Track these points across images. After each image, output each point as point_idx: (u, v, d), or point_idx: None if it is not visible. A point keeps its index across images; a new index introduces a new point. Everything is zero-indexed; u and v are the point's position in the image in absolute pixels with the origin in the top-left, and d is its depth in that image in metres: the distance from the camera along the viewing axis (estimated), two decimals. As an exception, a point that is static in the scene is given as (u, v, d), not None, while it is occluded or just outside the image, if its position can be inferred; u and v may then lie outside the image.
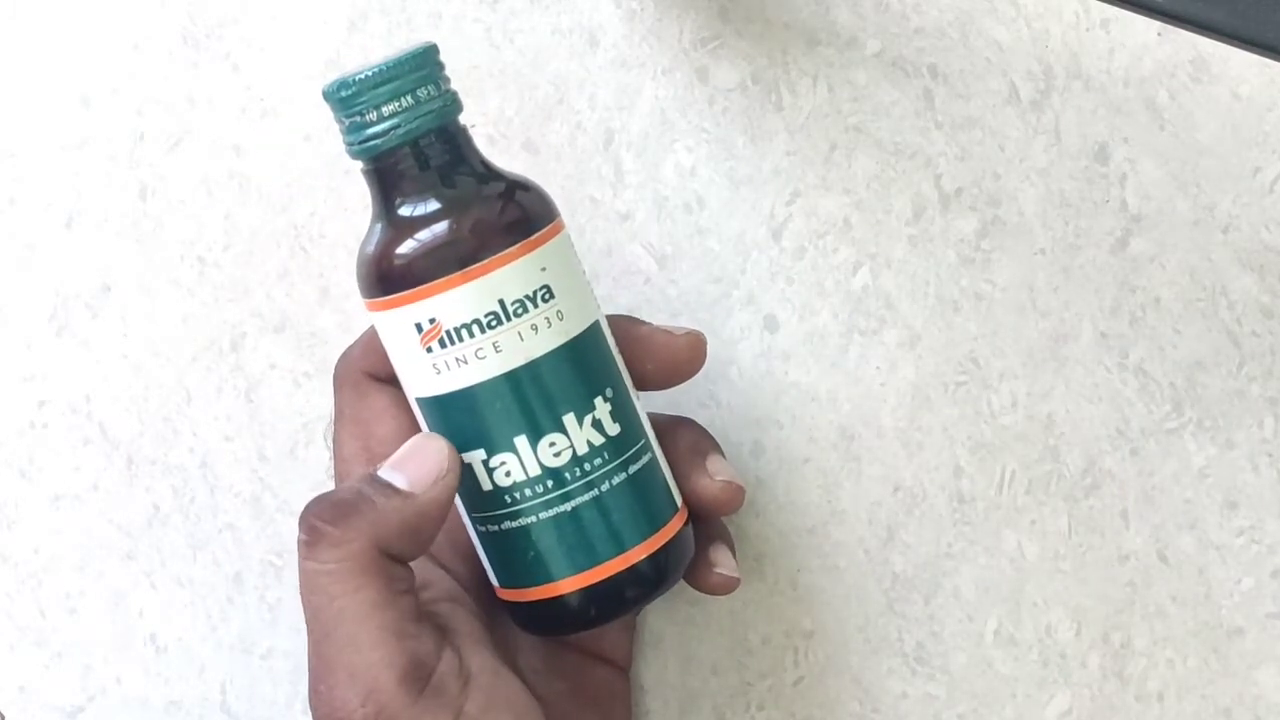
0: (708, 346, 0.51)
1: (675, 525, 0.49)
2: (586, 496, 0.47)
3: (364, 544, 0.45)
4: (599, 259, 0.56)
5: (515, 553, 0.48)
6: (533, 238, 0.47)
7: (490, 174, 0.48)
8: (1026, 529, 0.54)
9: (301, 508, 0.52)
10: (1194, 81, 0.53)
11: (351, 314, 0.57)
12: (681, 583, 0.51)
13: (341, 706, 0.45)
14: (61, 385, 0.58)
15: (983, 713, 0.55)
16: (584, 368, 0.47)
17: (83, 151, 0.58)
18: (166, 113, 0.57)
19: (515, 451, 0.47)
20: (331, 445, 0.54)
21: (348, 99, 0.46)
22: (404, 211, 0.47)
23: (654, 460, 0.49)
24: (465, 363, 0.46)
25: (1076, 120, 0.53)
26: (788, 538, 0.55)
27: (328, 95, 0.47)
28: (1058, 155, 0.53)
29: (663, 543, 0.48)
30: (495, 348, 0.46)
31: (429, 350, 0.46)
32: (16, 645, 0.59)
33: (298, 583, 0.46)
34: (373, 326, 0.49)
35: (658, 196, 0.55)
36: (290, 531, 0.58)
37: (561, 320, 0.47)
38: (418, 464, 0.47)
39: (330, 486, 0.55)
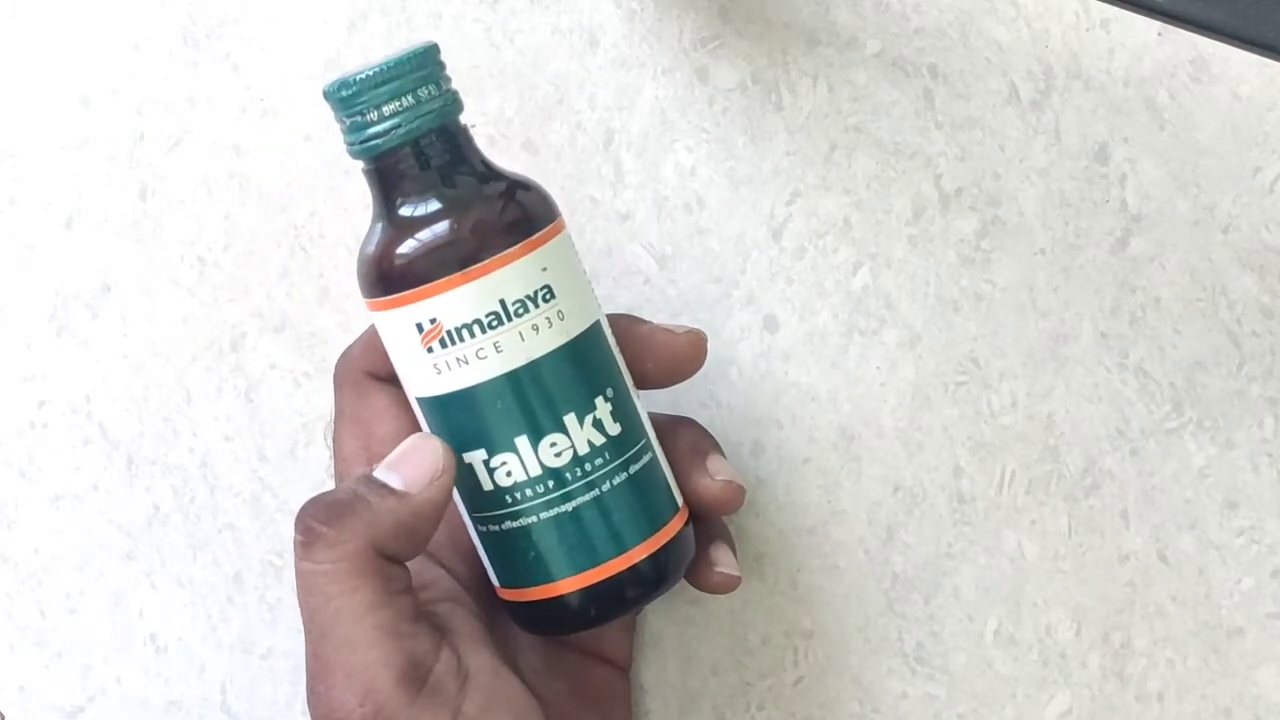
0: (708, 346, 0.51)
1: (676, 525, 0.49)
2: (587, 496, 0.47)
3: (359, 544, 0.45)
4: (599, 259, 0.56)
5: (516, 553, 0.48)
6: (534, 237, 0.47)
7: (491, 174, 0.48)
8: (1026, 529, 0.54)
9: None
10: (1194, 81, 0.53)
11: (351, 314, 0.57)
12: (682, 582, 0.51)
13: (339, 706, 0.45)
14: (61, 385, 0.58)
15: (983, 713, 0.55)
16: (585, 368, 0.47)
17: (83, 151, 0.58)
18: (166, 113, 0.57)
19: (516, 451, 0.47)
20: (332, 444, 0.54)
21: (348, 99, 0.46)
22: (405, 211, 0.47)
23: (654, 460, 0.49)
24: (466, 363, 0.46)
25: (1076, 120, 0.53)
26: (788, 538, 0.55)
27: (328, 95, 0.47)
28: (1058, 155, 0.54)
29: (663, 542, 0.48)
30: (496, 348, 0.46)
31: (430, 350, 0.46)
32: (16, 645, 0.59)
33: (297, 584, 0.46)
34: (373, 325, 0.49)
35: (658, 196, 0.55)
36: (290, 532, 0.57)
37: (562, 320, 0.47)
38: (413, 464, 0.47)
39: (330, 486, 0.55)
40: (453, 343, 0.46)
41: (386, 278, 0.47)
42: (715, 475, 0.50)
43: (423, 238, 0.46)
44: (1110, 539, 0.54)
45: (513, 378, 0.46)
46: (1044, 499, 0.54)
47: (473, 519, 0.49)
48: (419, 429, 0.49)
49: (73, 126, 0.58)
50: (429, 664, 0.46)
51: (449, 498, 0.47)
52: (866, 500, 0.55)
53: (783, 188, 0.55)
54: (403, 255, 0.46)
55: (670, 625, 0.56)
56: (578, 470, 0.47)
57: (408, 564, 0.47)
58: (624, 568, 0.48)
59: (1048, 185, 0.54)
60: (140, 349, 0.58)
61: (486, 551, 0.49)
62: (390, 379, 0.50)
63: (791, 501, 0.55)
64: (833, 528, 0.55)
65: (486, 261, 0.46)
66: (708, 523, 0.52)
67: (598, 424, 0.47)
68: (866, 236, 0.54)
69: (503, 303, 0.46)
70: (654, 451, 0.49)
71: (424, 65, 0.46)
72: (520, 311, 0.46)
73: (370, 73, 0.46)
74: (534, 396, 0.47)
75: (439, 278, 0.46)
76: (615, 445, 0.48)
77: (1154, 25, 0.51)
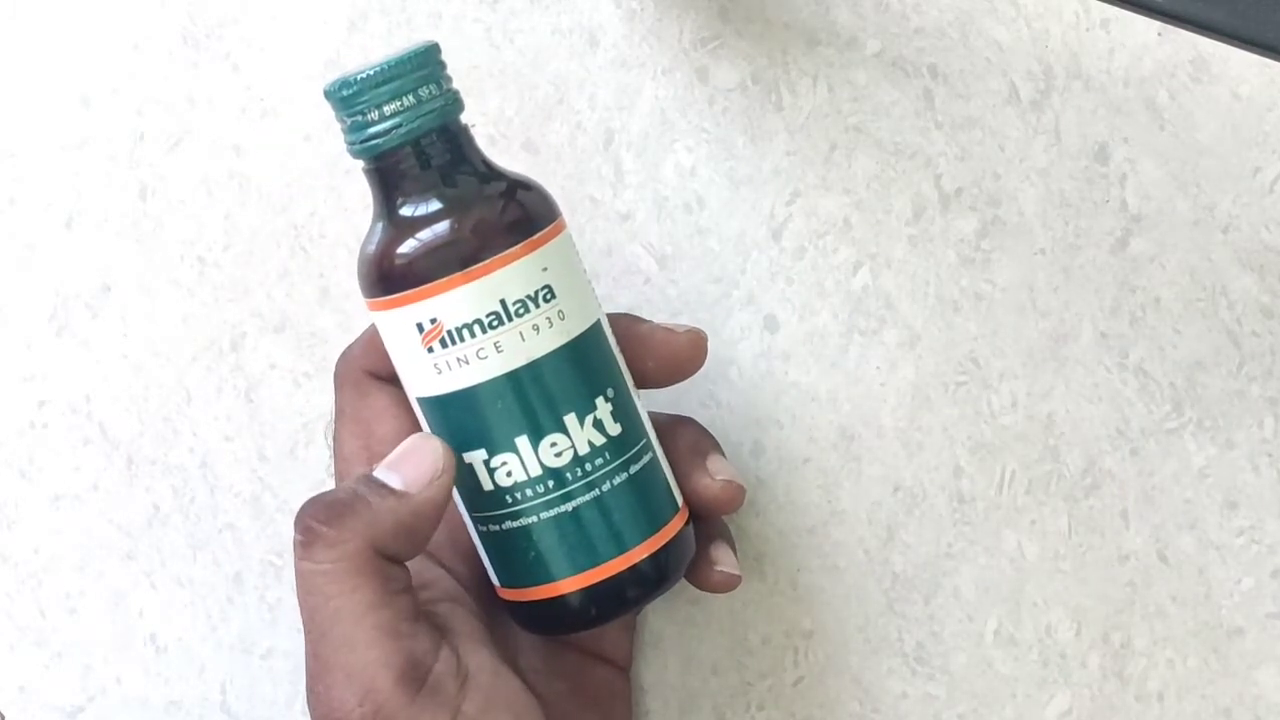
0: (708, 345, 0.51)
1: (676, 525, 0.49)
2: (587, 496, 0.47)
3: (359, 544, 0.45)
4: (599, 259, 0.56)
5: (516, 553, 0.48)
6: (534, 237, 0.47)
7: (492, 173, 0.48)
8: (1026, 529, 0.54)
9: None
10: (1194, 81, 0.53)
11: (351, 314, 0.57)
12: (682, 582, 0.51)
13: (339, 706, 0.45)
14: (61, 385, 0.58)
15: (983, 713, 0.55)
16: (585, 368, 0.47)
17: (83, 151, 0.58)
18: (166, 113, 0.57)
19: (516, 452, 0.47)
20: (332, 444, 0.54)
21: (349, 98, 0.46)
22: (405, 211, 0.47)
23: (655, 460, 0.49)
24: (466, 363, 0.46)
25: (1076, 120, 0.53)
26: (788, 538, 0.55)
27: (329, 94, 0.47)
28: (1058, 155, 0.54)
29: (663, 542, 0.48)
30: (497, 348, 0.46)
31: (430, 350, 0.46)
32: (16, 645, 0.59)
33: (296, 583, 0.46)
34: (374, 325, 0.49)
35: (658, 196, 0.55)
36: (290, 532, 0.57)
37: (563, 320, 0.47)
38: (413, 464, 0.47)
39: (330, 485, 0.55)
40: (453, 342, 0.46)
41: (387, 277, 0.47)
42: (715, 475, 0.50)
43: (423, 237, 0.46)
44: (1110, 539, 0.54)
45: (513, 378, 0.46)
46: (1044, 499, 0.54)
47: (473, 519, 0.49)
48: (419, 428, 0.49)
49: (73, 126, 0.58)
50: (428, 664, 0.46)
51: (449, 498, 0.47)
52: (866, 500, 0.55)
53: (783, 188, 0.55)
54: (403, 255, 0.46)
55: (670, 625, 0.56)
56: (578, 470, 0.47)
57: (407, 563, 0.47)
58: (624, 567, 0.48)
59: (1048, 185, 0.54)
60: (140, 349, 0.58)
61: (486, 551, 0.49)
62: (391, 378, 0.50)
63: (791, 501, 0.55)
64: (833, 528, 0.55)
65: (487, 261, 0.46)
66: (708, 522, 0.52)
67: (598, 424, 0.47)
68: (866, 236, 0.54)
69: (503, 303, 0.46)
70: (654, 451, 0.49)
71: (425, 65, 0.46)
72: (521, 311, 0.46)
73: (371, 72, 0.46)
74: (534, 396, 0.47)
75: (439, 277, 0.46)
76: (615, 445, 0.48)
77: (1154, 25, 0.51)
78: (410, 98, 0.46)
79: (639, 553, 0.48)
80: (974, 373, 0.54)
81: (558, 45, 0.56)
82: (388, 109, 0.46)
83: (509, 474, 0.47)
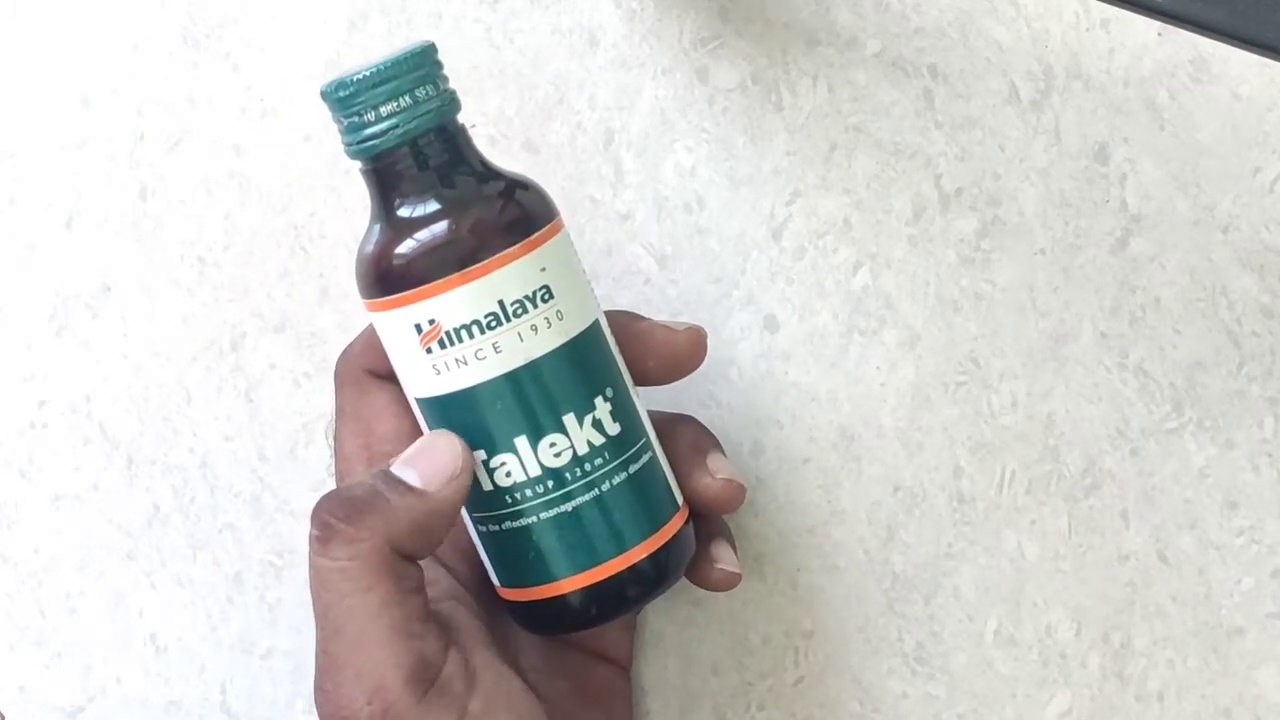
0: (708, 345, 0.51)
1: (676, 524, 0.49)
2: (587, 496, 0.47)
3: (377, 542, 0.45)
4: (599, 259, 0.56)
5: (516, 553, 0.48)
6: (532, 237, 0.47)
7: (489, 173, 0.48)
8: (1026, 529, 0.54)
9: (301, 507, 0.52)
10: (1194, 81, 0.53)
11: (351, 314, 0.57)
12: (683, 581, 0.51)
13: (347, 704, 0.45)
14: (61, 385, 0.58)
15: (983, 713, 0.55)
16: (584, 368, 0.47)
17: (83, 151, 0.58)
18: (166, 113, 0.57)
19: (515, 452, 0.47)
20: (333, 443, 0.54)
21: (346, 99, 0.46)
22: (403, 212, 0.47)
23: (654, 459, 0.49)
24: (465, 363, 0.46)
25: (1076, 120, 0.53)
26: (788, 538, 0.55)
27: (325, 95, 0.47)
28: (1058, 155, 0.53)
29: (663, 541, 0.48)
30: (495, 348, 0.46)
31: (429, 351, 0.46)
32: (16, 645, 0.59)
33: (307, 579, 0.46)
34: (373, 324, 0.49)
35: (658, 196, 0.55)
36: (290, 532, 0.58)
37: (561, 320, 0.47)
38: (430, 461, 0.46)
39: (331, 484, 0.55)
40: (452, 343, 0.46)
41: (385, 278, 0.47)
42: (716, 474, 0.50)
43: (421, 238, 0.46)
44: (1110, 539, 0.54)
45: (512, 378, 0.46)
46: (1044, 499, 0.54)
47: (472, 519, 0.49)
48: (419, 427, 0.49)
49: (73, 126, 0.58)
50: (438, 664, 0.46)
51: (465, 497, 0.47)
52: (866, 500, 0.55)
53: (783, 188, 0.55)
54: (401, 256, 0.46)
55: (671, 625, 0.56)
56: (577, 470, 0.47)
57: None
58: (624, 567, 0.48)
59: (1048, 185, 0.54)
60: (140, 349, 0.58)
61: (487, 551, 0.49)
62: (391, 377, 0.50)
63: (791, 501, 0.55)
64: (833, 528, 0.55)
65: (485, 262, 0.46)
66: (708, 520, 0.52)
67: (597, 424, 0.47)
68: (866, 236, 0.54)
69: (501, 303, 0.46)
70: (654, 451, 0.49)
71: (421, 65, 0.46)
72: (519, 312, 0.46)
73: (367, 73, 0.46)
74: (533, 397, 0.47)
75: (437, 278, 0.46)
76: (615, 445, 0.48)
77: (1154, 25, 0.51)
78: (407, 98, 0.46)
79: (639, 552, 0.48)
80: (974, 373, 0.54)
81: (558, 45, 0.56)
82: (384, 110, 0.46)
83: (508, 474, 0.47)
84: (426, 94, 0.46)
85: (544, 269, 0.47)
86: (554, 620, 0.49)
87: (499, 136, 0.56)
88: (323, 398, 0.57)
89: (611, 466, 0.47)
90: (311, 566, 0.46)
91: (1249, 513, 0.53)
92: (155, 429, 0.58)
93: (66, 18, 0.58)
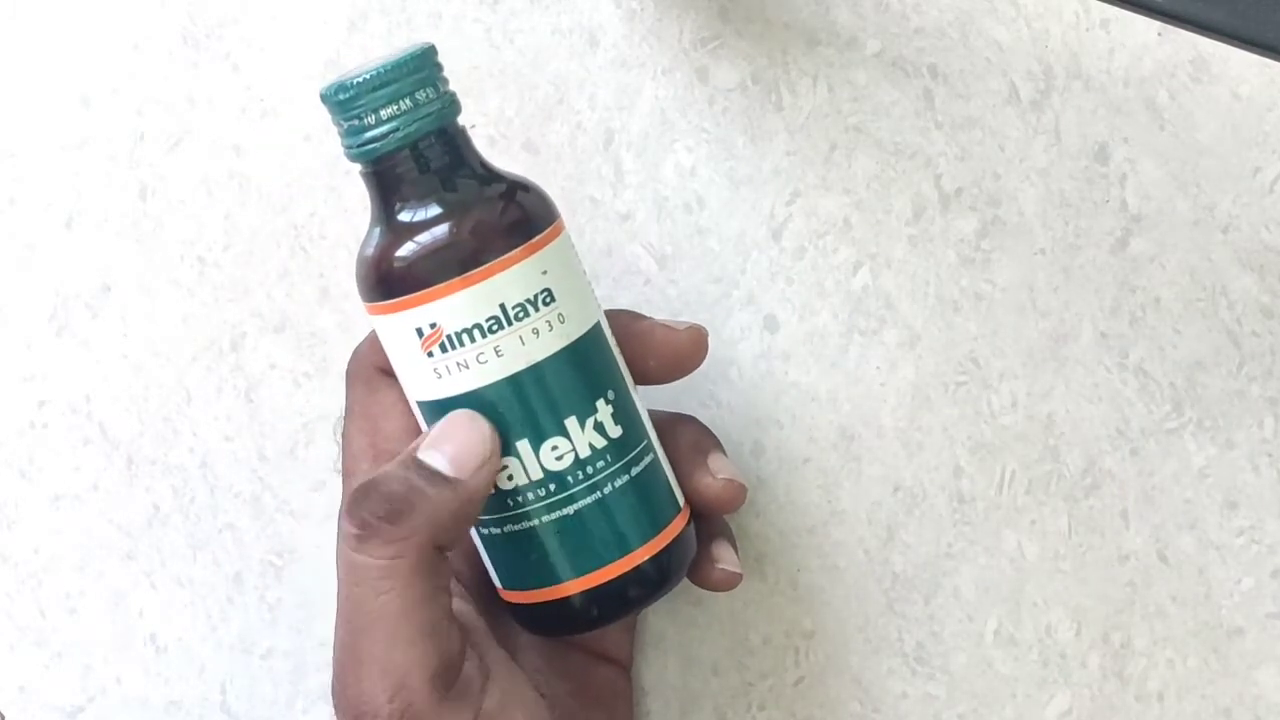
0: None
1: (678, 526, 0.49)
2: (589, 499, 0.47)
3: (419, 540, 0.45)
4: (599, 259, 0.56)
5: (518, 555, 0.48)
6: (533, 241, 0.46)
7: (490, 176, 0.48)
8: (1026, 529, 0.54)
9: (301, 507, 0.52)
10: (1194, 81, 0.53)
11: (351, 314, 0.57)
12: (684, 581, 0.51)
13: (369, 701, 0.45)
14: (61, 385, 0.58)
15: (983, 713, 0.55)
16: (585, 370, 0.47)
17: (83, 151, 0.58)
18: (166, 113, 0.57)
19: (517, 455, 0.47)
20: (340, 440, 0.53)
21: (346, 102, 0.46)
22: (403, 215, 0.47)
23: (656, 461, 0.49)
24: (466, 367, 0.46)
25: (1076, 120, 0.53)
26: (788, 538, 0.55)
27: (325, 98, 0.46)
28: (1058, 155, 0.53)
29: (665, 543, 0.48)
30: (496, 352, 0.46)
31: (430, 355, 0.46)
32: (16, 645, 0.59)
33: (307, 578, 0.46)
34: None
35: (658, 196, 0.55)
36: (290, 532, 0.58)
37: (563, 323, 0.47)
38: (458, 444, 0.46)
39: (336, 482, 0.55)
40: (453, 347, 0.46)
41: (385, 282, 0.46)
42: (717, 474, 0.50)
43: (422, 241, 0.46)
44: (1110, 539, 0.54)
45: (514, 382, 0.46)
46: (1044, 499, 0.54)
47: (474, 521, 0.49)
48: (421, 430, 0.48)
49: (73, 126, 0.58)
50: (459, 664, 0.46)
51: (494, 481, 0.47)
52: (866, 500, 0.55)
53: (783, 188, 0.55)
54: (402, 259, 0.46)
55: (671, 625, 0.56)
56: (579, 473, 0.47)
57: None
58: (627, 569, 0.48)
59: (1048, 185, 0.54)
60: (140, 349, 0.58)
61: (489, 553, 0.49)
62: None
63: (791, 501, 0.55)
64: (833, 528, 0.55)
65: (486, 265, 0.46)
66: (709, 520, 0.52)
67: (599, 427, 0.47)
68: (866, 236, 0.54)
69: (503, 307, 0.46)
70: (655, 452, 0.49)
71: (421, 68, 0.46)
72: (520, 315, 0.46)
73: (367, 76, 0.46)
74: (535, 400, 0.46)
75: (438, 282, 0.46)
76: (616, 447, 0.48)
77: (1154, 25, 0.51)
78: (407, 101, 0.46)
79: (641, 554, 0.48)
80: (974, 373, 0.54)
81: (558, 45, 0.56)
82: (385, 113, 0.46)
83: (510, 477, 0.47)
84: (427, 97, 0.46)
85: (545, 272, 0.46)
86: (556, 622, 0.49)
87: (499, 136, 0.56)
88: (323, 398, 0.57)
89: (614, 469, 0.47)
90: (345, 562, 0.46)
91: (1249, 513, 0.53)
92: (155, 429, 0.58)
93: (66, 18, 0.58)
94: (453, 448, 0.46)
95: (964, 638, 0.55)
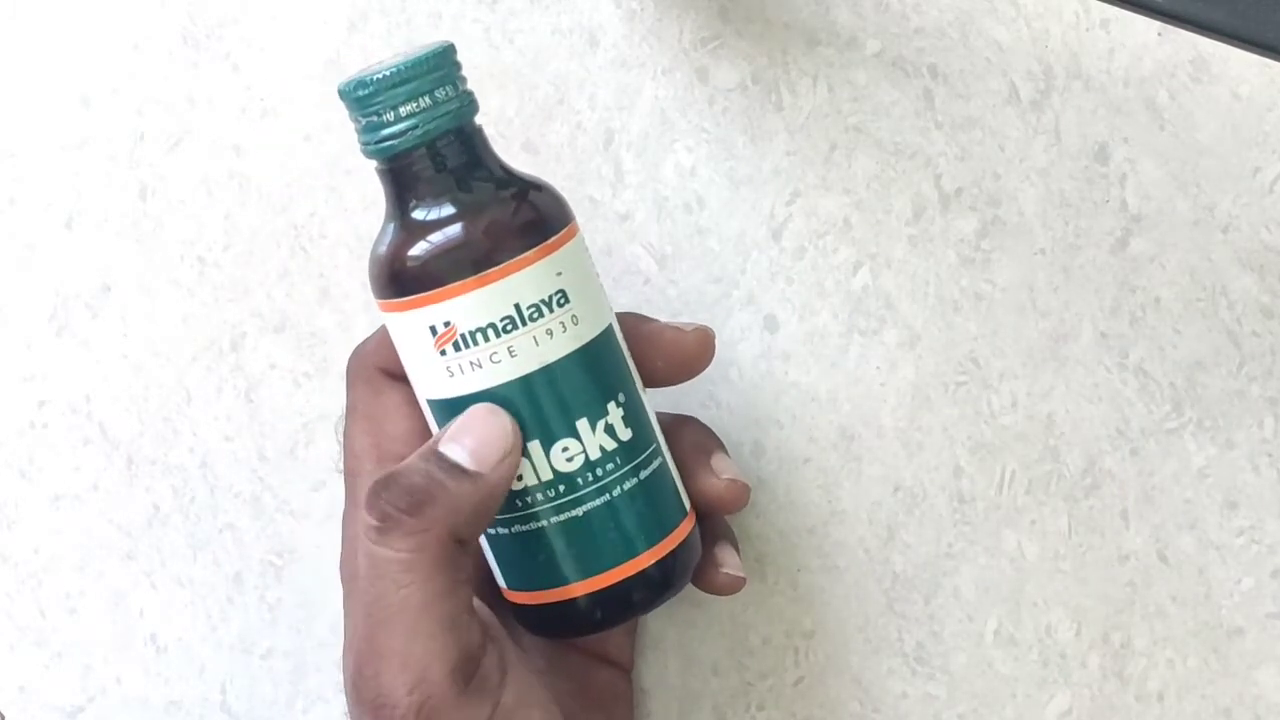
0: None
1: (684, 529, 0.49)
2: (598, 502, 0.47)
3: (439, 532, 0.45)
4: (599, 259, 0.55)
5: (525, 556, 0.48)
6: (549, 241, 0.46)
7: (506, 175, 0.48)
8: (1026, 529, 0.54)
9: (301, 507, 0.52)
10: (1194, 81, 0.53)
11: (351, 314, 0.57)
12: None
13: (388, 693, 0.45)
14: (61, 385, 0.58)
15: (983, 713, 0.55)
16: (598, 373, 0.47)
17: (83, 151, 0.58)
18: (166, 113, 0.57)
19: (528, 456, 0.47)
20: (342, 439, 0.53)
21: (364, 98, 0.46)
22: (419, 213, 0.46)
23: (664, 464, 0.49)
24: (479, 367, 0.46)
25: (1076, 120, 0.53)
26: (788, 538, 0.55)
27: (344, 93, 0.46)
28: (1058, 155, 0.54)
29: (672, 548, 0.48)
30: (510, 352, 0.46)
31: (443, 353, 0.46)
32: (16, 645, 0.59)
33: (307, 578, 0.46)
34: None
35: (658, 196, 0.55)
36: (290, 531, 0.58)
37: (576, 325, 0.46)
38: (479, 438, 0.46)
39: (337, 481, 0.55)
40: (466, 346, 0.46)
41: (399, 279, 0.46)
42: (720, 474, 0.50)
43: (437, 240, 0.46)
44: (1110, 539, 0.54)
45: (526, 382, 0.46)
46: (1044, 499, 0.54)
47: (481, 521, 0.49)
48: (430, 429, 0.48)
49: (73, 126, 0.58)
50: (479, 657, 0.46)
51: (515, 475, 0.47)
52: (866, 500, 0.55)
53: (783, 188, 0.55)
54: (417, 257, 0.46)
55: (671, 626, 0.56)
56: (589, 475, 0.47)
57: None
58: (633, 572, 0.48)
59: (1048, 185, 0.54)
60: (140, 349, 0.58)
61: (494, 553, 0.49)
62: (404, 377, 0.49)
63: (791, 501, 0.55)
64: (833, 528, 0.55)
65: (502, 266, 0.45)
66: (712, 522, 0.52)
67: (609, 429, 0.47)
68: (866, 236, 0.54)
69: (517, 307, 0.46)
70: (663, 456, 0.49)
71: (441, 66, 0.46)
72: (535, 316, 0.46)
73: (387, 73, 0.45)
74: (547, 402, 0.46)
75: (453, 281, 0.45)
76: (626, 450, 0.47)
77: (1154, 25, 0.51)
78: (426, 99, 0.46)
79: (648, 558, 0.48)
80: (974, 373, 0.54)
81: (558, 45, 0.56)
82: (403, 110, 0.45)
83: (519, 478, 0.47)
84: (446, 95, 0.46)
85: (560, 273, 0.46)
86: (560, 624, 0.49)
87: (499, 136, 0.56)
88: (323, 398, 0.57)
89: (623, 471, 0.47)
90: (364, 555, 0.45)
91: (1249, 513, 0.53)
92: (155, 429, 0.58)
93: (66, 18, 0.58)
94: (474, 441, 0.46)
95: (964, 638, 0.55)
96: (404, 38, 0.56)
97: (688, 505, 0.50)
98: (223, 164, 0.57)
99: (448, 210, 0.46)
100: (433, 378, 0.47)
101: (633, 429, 0.48)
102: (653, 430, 0.49)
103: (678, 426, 0.51)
